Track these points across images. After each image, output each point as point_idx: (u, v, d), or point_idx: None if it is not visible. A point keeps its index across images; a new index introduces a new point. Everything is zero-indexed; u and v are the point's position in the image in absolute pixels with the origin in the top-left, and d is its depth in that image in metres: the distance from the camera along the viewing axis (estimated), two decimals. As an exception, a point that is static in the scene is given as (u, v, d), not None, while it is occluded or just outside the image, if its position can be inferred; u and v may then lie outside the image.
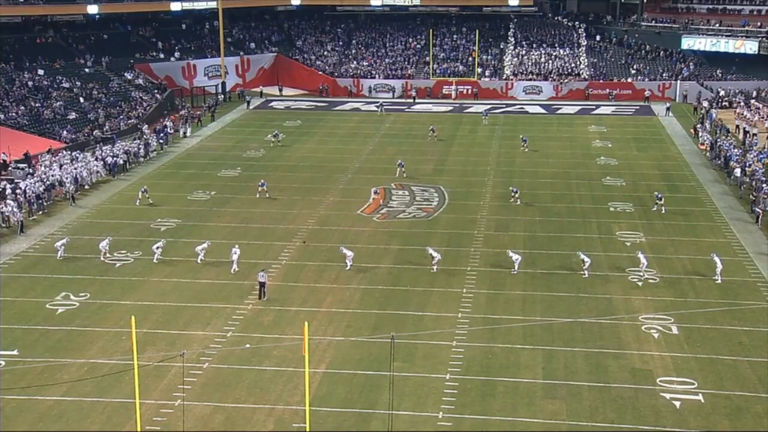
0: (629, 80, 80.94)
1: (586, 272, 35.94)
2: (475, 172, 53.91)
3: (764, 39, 77.06)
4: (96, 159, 53.92)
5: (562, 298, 33.87)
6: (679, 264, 37.51)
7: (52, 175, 49.44)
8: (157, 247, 38.26)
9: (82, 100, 68.23)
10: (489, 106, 75.63)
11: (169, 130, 64.56)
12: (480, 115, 71.51)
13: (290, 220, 44.10)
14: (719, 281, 35.21)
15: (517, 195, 46.79)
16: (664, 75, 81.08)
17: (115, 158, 54.70)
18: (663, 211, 44.54)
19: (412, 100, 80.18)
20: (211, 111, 72.79)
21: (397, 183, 51.03)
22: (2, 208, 43.35)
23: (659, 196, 45.60)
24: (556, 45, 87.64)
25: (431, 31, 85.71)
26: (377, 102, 77.58)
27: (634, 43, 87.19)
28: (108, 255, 38.36)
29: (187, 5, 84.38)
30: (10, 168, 51.34)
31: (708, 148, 58.22)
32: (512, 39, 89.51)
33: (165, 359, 28.17)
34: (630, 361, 28.62)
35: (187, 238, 41.32)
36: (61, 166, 51.63)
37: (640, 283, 35.21)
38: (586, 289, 34.76)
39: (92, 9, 77.42)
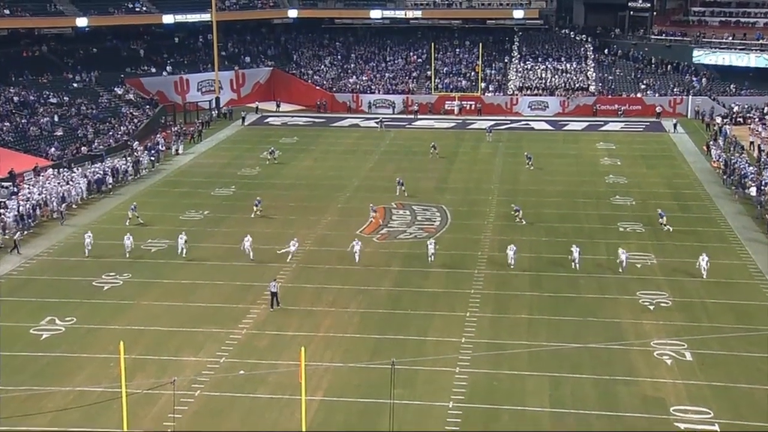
0: (639, 95, 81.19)
1: (576, 265, 39.03)
2: (478, 190, 53.96)
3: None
4: (82, 177, 53.86)
5: (570, 321, 33.77)
6: (692, 287, 37.43)
7: (39, 194, 49.45)
8: (183, 240, 41.51)
9: (70, 116, 68.44)
10: (492, 123, 75.80)
11: (160, 147, 64.68)
12: (483, 132, 71.64)
13: (286, 241, 44.07)
14: (704, 277, 37.85)
15: (519, 214, 46.83)
16: (675, 90, 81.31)
17: (104, 175, 54.73)
18: (667, 230, 44.50)
19: (413, 116, 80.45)
20: (197, 129, 72.20)
21: (397, 202, 51.05)
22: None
23: (662, 213, 45.68)
24: (563, 59, 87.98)
25: (433, 44, 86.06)
26: (377, 118, 77.80)
27: (643, 57, 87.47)
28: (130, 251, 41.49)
29: (180, 18, 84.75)
30: (-6, 187, 51.42)
31: (721, 166, 58.23)
32: (517, 53, 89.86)
33: (155, 386, 28.01)
34: (641, 388, 28.47)
35: (178, 259, 41.27)
36: (45, 184, 51.59)
37: (651, 307, 35.12)
38: (595, 312, 34.66)
39: (81, 22, 77.68)
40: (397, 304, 35.79)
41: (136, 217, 47.23)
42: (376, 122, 75.71)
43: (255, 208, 48.18)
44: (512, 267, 39.32)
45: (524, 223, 46.37)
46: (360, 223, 46.87)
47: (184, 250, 41.57)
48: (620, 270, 38.91)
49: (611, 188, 54.29)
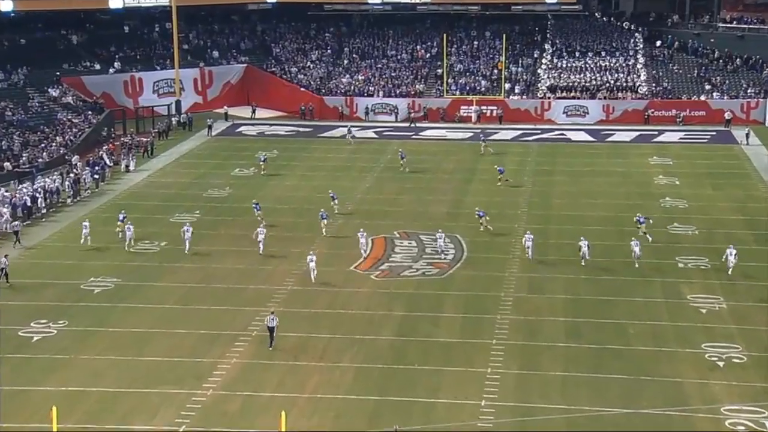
0: (702, 98, 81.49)
1: (582, 261, 43.64)
2: (501, 216, 53.93)
3: None
4: (6, 201, 53.59)
5: (616, 380, 33.67)
6: (771, 337, 37.42)
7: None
8: (189, 231, 47.26)
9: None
10: (518, 132, 76.08)
11: (106, 162, 64.81)
12: (505, 144, 71.80)
13: (264, 279, 44.01)
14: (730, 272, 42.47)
15: (484, 219, 50.14)
16: (748, 91, 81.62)
17: (34, 199, 54.63)
18: (648, 238, 46.91)
19: (409, 124, 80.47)
20: (152, 141, 72.49)
21: (401, 231, 51.09)
22: None
23: (641, 219, 48.68)
24: (606, 53, 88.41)
25: (445, 36, 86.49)
26: (376, 127, 78.22)
27: (708, 51, 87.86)
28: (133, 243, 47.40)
29: (131, 2, 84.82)
30: None
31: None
32: (549, 46, 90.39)
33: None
34: (708, 465, 28.39)
35: (128, 302, 41.25)
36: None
37: (720, 363, 34.99)
38: (648, 369, 34.55)
39: (5, 6, 77.38)
40: (400, 357, 35.67)
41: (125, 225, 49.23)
42: (348, 131, 75.74)
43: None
44: (531, 259, 44.36)
45: (491, 229, 47.92)
46: (354, 257, 46.85)
47: (188, 242, 47.16)
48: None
49: (668, 214, 54.30)
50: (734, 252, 44.17)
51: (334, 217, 52.47)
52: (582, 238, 45.77)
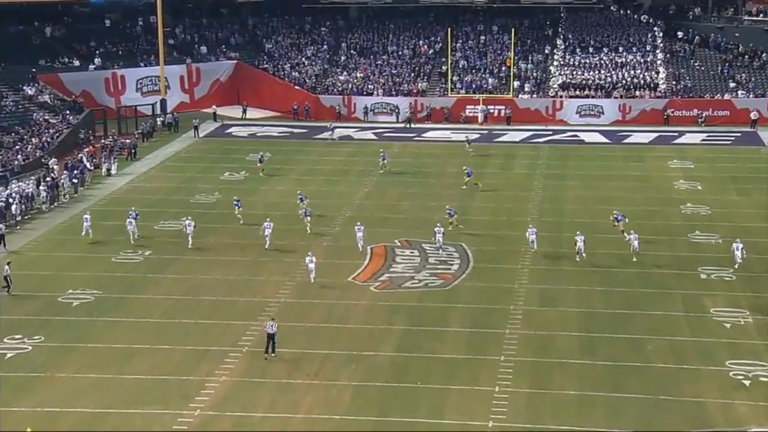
0: (726, 97, 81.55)
1: (578, 256, 46.27)
2: (510, 224, 53.95)
3: None
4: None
5: (633, 400, 33.61)
6: (800, 354, 37.34)
7: None
8: (191, 226, 49.82)
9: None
10: (528, 134, 76.14)
11: (86, 165, 64.78)
12: (514, 147, 71.86)
13: (255, 291, 43.97)
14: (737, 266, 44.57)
15: (453, 219, 51.65)
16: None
17: (8, 204, 54.53)
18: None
19: (405, 125, 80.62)
20: (135, 142, 72.47)
21: (402, 239, 51.07)
22: None
23: (618, 216, 50.75)
24: (623, 48, 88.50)
25: (450, 30, 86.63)
26: (376, 128, 78.20)
27: (733, 46, 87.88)
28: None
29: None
30: None
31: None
32: (561, 41, 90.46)
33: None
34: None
35: (109, 316, 41.21)
36: None
37: (746, 382, 34.91)
38: (669, 388, 34.49)
39: (-24, -3, 77.91)
40: (402, 375, 35.59)
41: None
42: (329, 129, 76.77)
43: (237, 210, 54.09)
44: (535, 251, 47.35)
45: (461, 227, 49.48)
46: (353, 267, 46.83)
47: (191, 237, 49.86)
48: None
49: (689, 221, 54.28)
50: (741, 246, 45.85)
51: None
52: (578, 232, 47.74)
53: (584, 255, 46.79)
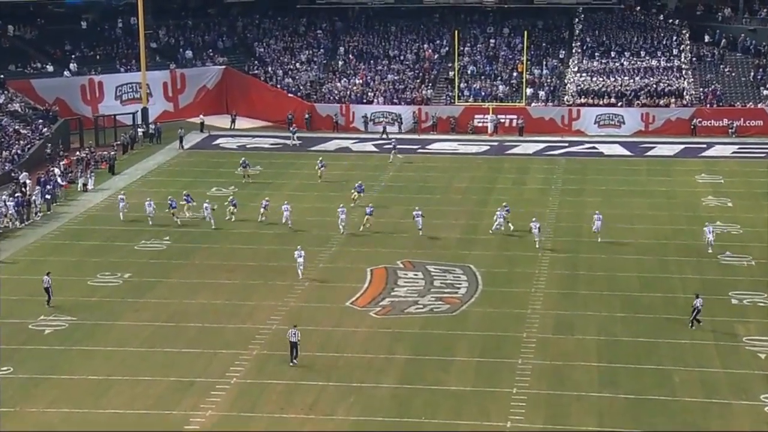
0: (759, 105, 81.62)
1: (537, 243, 50.81)
2: (522, 243, 53.95)
3: None
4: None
5: (660, 436, 33.56)
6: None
7: None
8: (209, 208, 54.82)
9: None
10: (543, 146, 76.17)
11: (60, 180, 64.78)
12: (525, 159, 72.02)
13: (245, 317, 43.91)
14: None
15: (419, 221, 54.87)
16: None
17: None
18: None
19: (381, 135, 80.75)
20: (112, 157, 72.25)
21: (405, 261, 51.03)
22: None
23: (507, 208, 55.76)
24: (645, 53, 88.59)
25: (457, 33, 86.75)
26: (375, 138, 78.22)
27: (766, 50, 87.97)
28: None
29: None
30: None
31: None
32: (579, 44, 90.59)
33: None
34: None
35: (83, 345, 41.11)
36: None
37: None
38: (697, 424, 34.41)
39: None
40: (404, 409, 35.52)
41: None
42: (291, 133, 79.01)
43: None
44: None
45: (421, 233, 52.39)
46: (351, 291, 46.78)
47: (212, 220, 56.02)
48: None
49: (719, 241, 54.15)
50: (712, 229, 52.20)
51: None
52: (534, 219, 53.68)
53: (541, 240, 52.31)
